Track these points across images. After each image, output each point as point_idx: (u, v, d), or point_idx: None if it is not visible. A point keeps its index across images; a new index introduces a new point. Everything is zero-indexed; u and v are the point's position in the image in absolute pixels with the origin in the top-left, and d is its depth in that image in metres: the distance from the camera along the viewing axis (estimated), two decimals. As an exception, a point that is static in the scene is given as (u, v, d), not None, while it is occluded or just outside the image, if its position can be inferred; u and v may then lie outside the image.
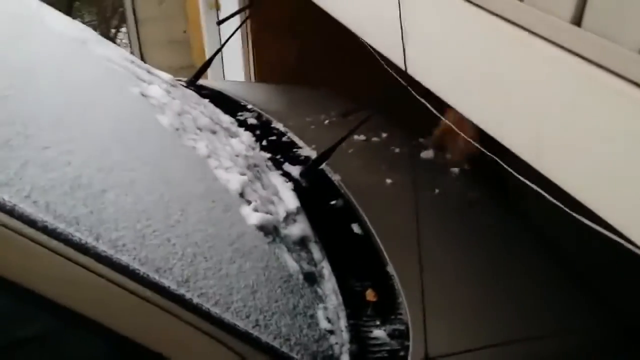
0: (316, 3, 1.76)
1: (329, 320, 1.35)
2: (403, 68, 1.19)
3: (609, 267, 1.66)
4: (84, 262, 0.99)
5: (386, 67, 1.39)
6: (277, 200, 1.66)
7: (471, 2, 0.96)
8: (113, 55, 1.76)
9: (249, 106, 2.36)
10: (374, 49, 1.47)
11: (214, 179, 1.49)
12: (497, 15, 0.91)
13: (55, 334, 1.04)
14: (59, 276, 0.98)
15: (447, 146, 2.21)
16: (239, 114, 2.26)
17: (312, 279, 1.44)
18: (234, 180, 1.53)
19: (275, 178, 1.80)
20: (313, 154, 2.02)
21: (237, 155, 1.73)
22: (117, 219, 1.10)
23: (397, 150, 2.16)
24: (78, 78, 1.44)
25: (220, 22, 2.56)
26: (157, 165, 1.35)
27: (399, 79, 1.30)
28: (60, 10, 1.95)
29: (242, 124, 2.17)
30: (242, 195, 1.51)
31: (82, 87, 1.41)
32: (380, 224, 1.73)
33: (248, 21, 3.38)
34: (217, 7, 4.50)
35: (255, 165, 1.78)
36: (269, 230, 1.46)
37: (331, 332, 1.32)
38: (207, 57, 4.72)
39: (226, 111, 2.15)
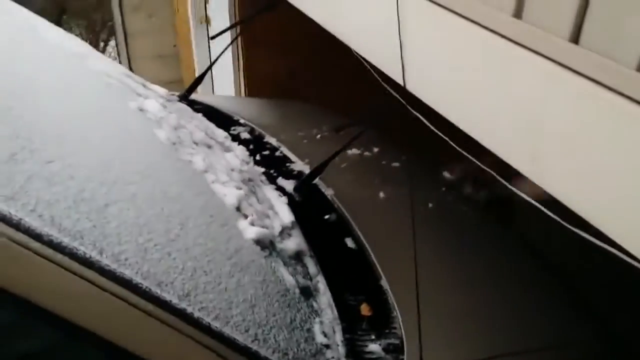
0: (313, 19, 1.79)
1: (325, 335, 1.37)
2: (402, 84, 1.21)
3: (604, 281, 1.69)
4: (88, 276, 1.00)
5: (383, 83, 1.42)
6: (273, 214, 1.68)
7: (471, 20, 0.99)
8: (110, 70, 1.78)
9: (242, 121, 2.38)
10: (369, 65, 1.50)
11: (211, 193, 1.51)
12: (496, 33, 0.94)
13: (59, 348, 1.05)
14: (64, 290, 0.99)
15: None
16: (232, 128, 2.28)
17: (308, 293, 1.45)
18: (230, 194, 1.55)
19: (269, 192, 1.82)
20: (306, 169, 2.04)
21: (232, 170, 1.75)
22: (120, 233, 1.11)
23: (389, 164, 2.18)
24: (79, 92, 1.46)
25: (213, 37, 2.58)
26: (157, 179, 1.36)
27: (396, 95, 1.33)
28: (49, 23, 1.96)
29: (236, 138, 2.18)
30: (238, 209, 1.53)
31: (83, 102, 1.42)
32: (373, 238, 1.76)
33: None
34: (207, 22, 4.53)
35: (250, 180, 1.80)
36: (266, 245, 1.47)
37: (327, 346, 1.34)
38: (197, 71, 4.76)
39: (219, 126, 2.17)
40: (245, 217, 1.51)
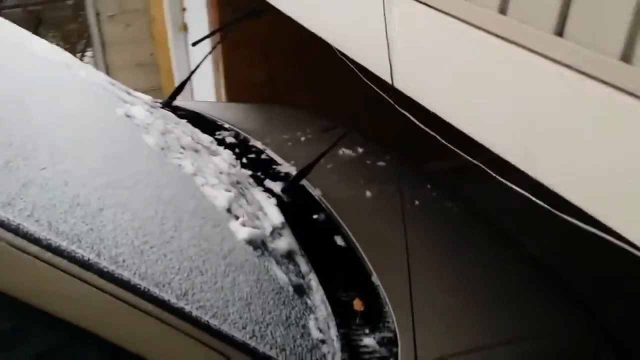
0: (296, 20, 1.81)
1: (320, 330, 1.39)
2: (390, 82, 1.24)
3: (590, 269, 1.73)
4: (87, 278, 1.01)
5: (367, 82, 1.45)
6: (262, 215, 1.70)
7: (457, 18, 1.02)
8: (95, 78, 1.79)
9: (226, 125, 2.39)
10: (353, 64, 1.53)
11: (202, 196, 1.52)
12: (482, 29, 0.97)
13: (60, 350, 1.06)
14: (64, 292, 1.00)
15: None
16: (217, 133, 2.29)
17: (301, 290, 1.47)
18: (220, 196, 1.57)
19: (258, 194, 1.84)
20: (293, 170, 2.06)
21: (221, 173, 1.76)
22: (116, 236, 1.12)
23: (374, 164, 2.21)
24: (67, 100, 1.46)
25: (195, 44, 2.59)
26: (149, 184, 1.37)
27: (381, 93, 1.36)
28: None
29: (221, 142, 2.20)
30: (229, 211, 1.54)
31: (72, 109, 1.43)
32: (362, 236, 1.78)
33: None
34: (185, 29, 4.54)
35: (239, 182, 1.81)
36: (258, 245, 1.49)
37: (323, 341, 1.36)
38: (176, 78, 4.76)
39: (204, 131, 2.18)
40: (237, 218, 1.53)
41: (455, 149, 1.17)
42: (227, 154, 2.04)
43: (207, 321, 1.12)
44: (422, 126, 1.23)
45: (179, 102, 2.58)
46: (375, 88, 1.42)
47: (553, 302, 1.67)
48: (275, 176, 2.02)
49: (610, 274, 2.68)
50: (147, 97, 2.06)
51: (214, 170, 1.75)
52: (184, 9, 4.46)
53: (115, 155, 1.39)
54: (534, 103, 0.87)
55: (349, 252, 1.73)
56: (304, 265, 1.60)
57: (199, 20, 3.90)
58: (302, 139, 2.40)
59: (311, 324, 1.38)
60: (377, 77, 1.52)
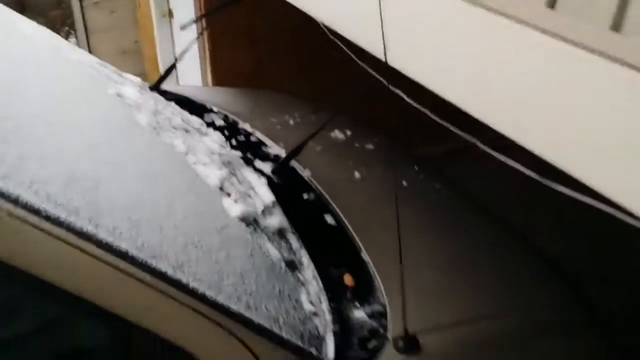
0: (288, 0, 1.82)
1: (312, 303, 1.42)
2: (383, 59, 1.27)
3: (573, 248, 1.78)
4: (86, 248, 1.03)
5: (357, 60, 1.48)
6: (254, 194, 1.72)
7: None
8: (85, 59, 1.79)
9: (214, 109, 2.40)
10: (343, 43, 1.55)
11: (194, 174, 1.54)
12: (475, 2, 0.99)
13: (60, 320, 1.08)
14: (63, 262, 1.02)
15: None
16: (206, 116, 2.30)
17: (293, 266, 1.50)
18: (212, 175, 1.59)
19: (249, 174, 1.86)
20: (282, 152, 2.08)
21: (212, 153, 1.78)
22: (113, 210, 1.14)
23: (363, 146, 2.24)
24: (60, 79, 1.47)
25: (183, 27, 2.60)
26: (142, 161, 1.39)
27: (374, 74, 1.38)
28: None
29: (210, 125, 2.21)
30: (221, 189, 1.57)
31: (65, 88, 1.44)
32: (351, 214, 1.81)
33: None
34: (171, 16, 4.52)
35: (229, 162, 1.83)
36: (250, 222, 1.52)
37: (315, 314, 1.39)
38: (161, 65, 4.74)
39: (192, 114, 2.19)
40: (229, 195, 1.55)
41: (447, 124, 1.20)
42: (216, 136, 2.05)
43: (204, 292, 1.15)
44: (414, 103, 1.26)
45: (165, 86, 2.59)
46: (366, 67, 1.44)
47: (538, 278, 1.71)
48: (265, 157, 2.04)
49: (598, 250, 2.78)
50: (136, 79, 2.07)
51: (205, 150, 1.77)
52: (169, -5, 4.44)
53: (109, 132, 1.40)
54: (524, 72, 0.90)
55: (339, 230, 1.76)
56: (295, 243, 1.62)
57: (185, 6, 3.89)
58: (291, 122, 2.42)
59: (303, 297, 1.41)
60: (367, 59, 1.54)
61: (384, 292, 1.53)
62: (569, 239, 2.72)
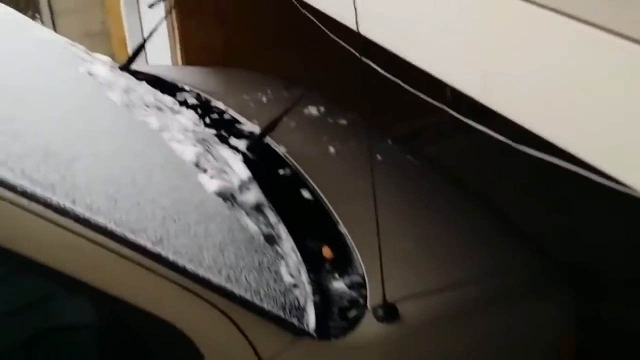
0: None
1: (292, 276, 1.43)
2: (355, 29, 1.27)
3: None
4: (64, 224, 1.03)
5: (332, 35, 1.48)
6: (229, 170, 1.72)
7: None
8: (55, 38, 1.76)
9: (186, 87, 2.38)
10: (315, 17, 1.54)
11: (169, 150, 1.53)
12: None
13: (42, 297, 1.07)
14: (41, 238, 1.02)
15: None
16: (178, 94, 2.28)
17: (271, 239, 1.51)
18: (188, 151, 1.58)
19: (224, 151, 1.85)
20: (256, 129, 2.08)
21: (186, 130, 1.77)
22: (89, 185, 1.13)
23: (336, 122, 2.25)
24: (30, 57, 1.45)
25: (151, 6, 2.56)
26: (117, 137, 1.38)
27: (346, 46, 1.39)
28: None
29: (183, 104, 2.19)
30: (197, 165, 1.56)
31: (36, 65, 1.42)
32: (327, 188, 1.82)
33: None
34: (137, -5, 4.45)
35: (204, 140, 1.83)
36: (227, 197, 1.52)
37: (295, 285, 1.40)
38: (129, 45, 4.66)
39: (164, 93, 2.17)
40: (205, 171, 1.55)
41: (421, 94, 1.21)
42: (190, 114, 2.04)
43: (184, 265, 1.15)
44: (388, 75, 1.27)
45: (135, 66, 2.55)
46: (337, 39, 1.45)
47: (509, 243, 1.75)
48: (240, 134, 2.04)
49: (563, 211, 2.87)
50: (106, 58, 2.04)
51: (179, 127, 1.76)
52: (135, -26, 4.36)
53: (82, 109, 1.39)
54: (491, 31, 0.91)
55: (316, 204, 1.77)
56: (272, 217, 1.63)
57: (152, -15, 3.82)
58: (264, 99, 2.41)
59: (283, 270, 1.42)
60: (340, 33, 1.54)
61: (362, 263, 1.55)
62: (534, 204, 2.83)
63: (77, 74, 1.58)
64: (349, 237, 1.64)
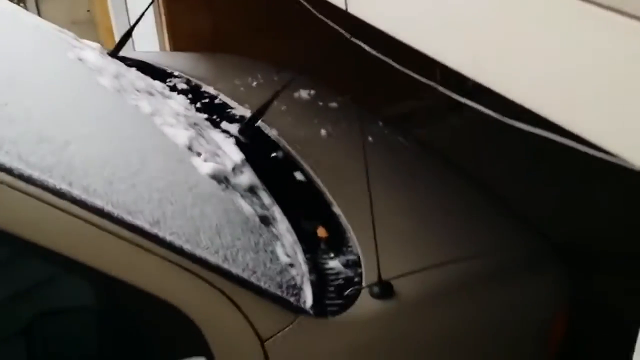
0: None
1: (288, 255, 1.44)
2: (344, 8, 1.28)
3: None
4: (61, 206, 1.03)
5: (319, 16, 1.48)
6: (222, 154, 1.73)
7: None
8: (43, 24, 1.75)
9: (176, 73, 2.38)
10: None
11: (162, 134, 1.53)
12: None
13: (41, 279, 1.08)
14: (39, 220, 1.02)
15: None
16: (168, 80, 2.28)
17: (266, 220, 1.52)
18: (180, 135, 1.58)
19: (216, 135, 1.86)
20: (248, 113, 2.08)
21: (178, 114, 1.77)
22: (85, 168, 1.14)
23: (327, 105, 2.26)
24: (20, 42, 1.44)
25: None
26: (110, 121, 1.38)
27: (335, 26, 1.39)
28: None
29: (173, 89, 2.19)
30: (190, 149, 1.57)
31: (26, 50, 1.41)
32: (320, 170, 1.84)
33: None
34: (123, -18, 4.40)
35: (196, 124, 1.83)
36: (221, 179, 1.52)
37: (291, 265, 1.41)
38: (116, 32, 4.63)
39: (154, 78, 2.17)
40: (198, 155, 1.55)
41: (411, 73, 1.22)
42: (181, 99, 2.04)
43: (181, 245, 1.16)
44: (378, 54, 1.27)
45: (124, 52, 2.54)
46: (325, 20, 1.45)
47: (502, 221, 1.78)
48: (231, 119, 2.04)
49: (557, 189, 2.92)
50: (95, 44, 2.03)
51: (171, 112, 1.76)
52: (120, -39, 4.32)
53: (74, 94, 1.39)
54: (482, 9, 0.92)
55: (309, 186, 1.78)
56: (266, 199, 1.64)
57: (138, -28, 3.79)
58: (254, 84, 2.41)
59: (279, 250, 1.43)
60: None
61: (357, 242, 1.57)
62: (526, 182, 2.87)
63: (67, 60, 1.57)
64: (343, 217, 1.66)
